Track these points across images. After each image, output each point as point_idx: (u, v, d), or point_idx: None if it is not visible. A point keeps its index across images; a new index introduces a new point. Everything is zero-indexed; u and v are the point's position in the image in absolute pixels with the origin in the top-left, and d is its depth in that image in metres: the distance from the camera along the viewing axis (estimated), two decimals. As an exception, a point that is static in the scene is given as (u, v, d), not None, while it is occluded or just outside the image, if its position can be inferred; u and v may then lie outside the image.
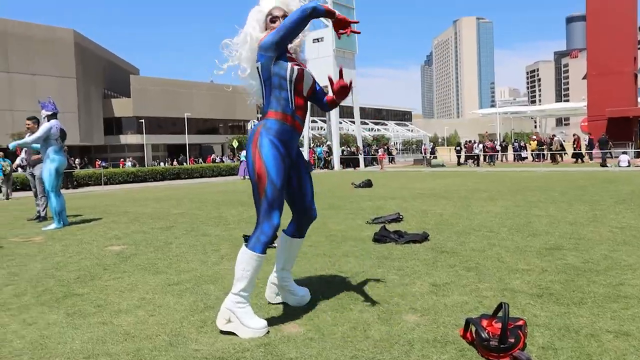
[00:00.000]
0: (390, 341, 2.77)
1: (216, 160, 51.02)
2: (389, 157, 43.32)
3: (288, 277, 3.46)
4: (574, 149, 30.39)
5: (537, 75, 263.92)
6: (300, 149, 3.24)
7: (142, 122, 59.45)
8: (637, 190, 11.04)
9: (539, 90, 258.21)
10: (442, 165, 32.15)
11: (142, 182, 26.35)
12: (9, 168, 17.52)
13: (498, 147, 35.60)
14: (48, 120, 8.45)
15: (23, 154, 10.38)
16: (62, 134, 8.55)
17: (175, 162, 51.69)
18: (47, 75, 51.74)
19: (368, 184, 14.80)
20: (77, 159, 48.66)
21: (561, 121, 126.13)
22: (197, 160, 58.11)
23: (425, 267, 4.44)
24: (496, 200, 9.76)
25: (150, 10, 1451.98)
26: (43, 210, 9.28)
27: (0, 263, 5.32)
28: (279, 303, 3.50)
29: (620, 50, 34.19)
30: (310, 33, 35.09)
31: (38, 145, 8.56)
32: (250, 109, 71.54)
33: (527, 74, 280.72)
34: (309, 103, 3.25)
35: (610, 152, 28.30)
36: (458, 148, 36.25)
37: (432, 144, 53.37)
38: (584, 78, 39.43)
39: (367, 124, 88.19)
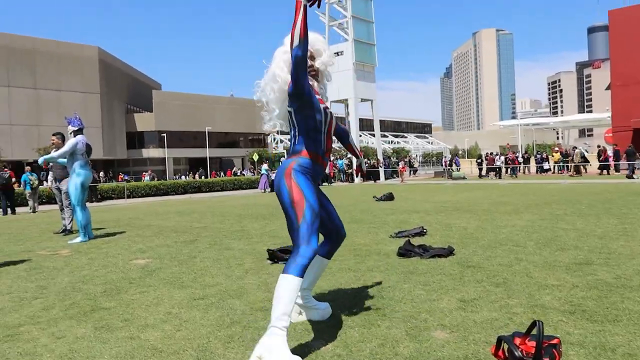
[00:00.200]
0: (420, 359, 2.72)
1: (237, 174, 51.42)
2: (411, 170, 43.13)
3: (309, 295, 3.46)
4: (600, 160, 29.84)
5: (559, 86, 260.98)
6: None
7: (163, 136, 60.29)
8: (666, 203, 10.76)
9: (561, 102, 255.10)
10: (464, 178, 31.86)
11: (164, 195, 26.64)
12: (36, 182, 17.89)
13: (520, 159, 35.16)
14: (74, 136, 8.62)
15: (51, 174, 10.59)
16: (88, 149, 8.71)
17: (196, 176, 52.20)
18: (72, 91, 52.93)
19: (389, 197, 14.71)
20: (101, 173, 49.55)
21: (584, 132, 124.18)
22: (218, 173, 58.60)
23: (452, 282, 4.37)
24: (521, 213, 9.60)
25: (173, 26, 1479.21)
26: (69, 224, 9.42)
27: (29, 276, 5.40)
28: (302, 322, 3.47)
29: (645, 60, 33.63)
30: (330, 47, 35.44)
31: (64, 160, 8.73)
32: (270, 123, 71.95)
33: (549, 85, 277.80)
34: None
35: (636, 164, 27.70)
36: (479, 160, 35.90)
37: (456, 156, 52.72)
38: (607, 88, 38.88)
39: (387, 136, 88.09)
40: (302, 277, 2.72)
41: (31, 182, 17.71)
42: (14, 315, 3.89)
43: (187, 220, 10.94)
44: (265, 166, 29.24)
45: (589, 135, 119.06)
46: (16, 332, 3.46)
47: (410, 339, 3.02)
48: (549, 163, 34.04)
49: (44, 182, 17.95)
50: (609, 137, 39.64)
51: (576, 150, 31.13)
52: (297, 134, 3.06)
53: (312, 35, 3.10)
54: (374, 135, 40.31)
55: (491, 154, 35.91)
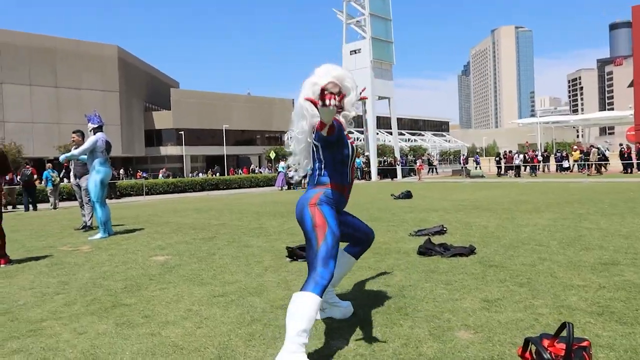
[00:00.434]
0: (445, 359, 2.67)
1: (255, 171, 51.63)
2: (430, 168, 42.83)
3: (332, 291, 3.46)
4: (624, 158, 29.27)
5: (580, 84, 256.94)
6: None
7: (181, 133, 60.73)
8: (693, 202, 10.50)
9: (582, 99, 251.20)
10: (482, 176, 31.55)
11: (181, 192, 26.83)
12: (57, 179, 18.15)
13: (539, 158, 34.68)
14: (94, 133, 8.69)
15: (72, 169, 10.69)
16: (108, 146, 8.77)
17: (218, 173, 52.41)
18: (92, 89, 53.60)
19: (408, 195, 14.60)
20: (121, 170, 50.13)
21: (605, 130, 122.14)
22: (236, 171, 58.88)
23: (474, 281, 4.30)
24: (542, 212, 9.45)
25: (191, 25, 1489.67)
26: (89, 220, 9.52)
27: (51, 272, 5.45)
28: (324, 318, 3.44)
29: (669, 56, 32.91)
30: (348, 45, 35.31)
31: (85, 157, 8.81)
32: (287, 121, 72.14)
33: (569, 83, 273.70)
34: None
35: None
36: (498, 158, 35.49)
37: (476, 154, 51.95)
38: (629, 86, 38.15)
39: (404, 134, 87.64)
40: (321, 297, 2.64)
41: (52, 179, 17.97)
42: (37, 310, 3.92)
43: (205, 218, 10.98)
44: (282, 164, 29.27)
45: (610, 134, 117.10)
46: (39, 327, 3.48)
47: (434, 339, 2.96)
48: (568, 161, 33.51)
49: (65, 179, 18.20)
50: (631, 135, 38.89)
51: (593, 149, 30.58)
52: (322, 166, 3.04)
53: (341, 71, 3.12)
54: (391, 134, 40.10)
55: (510, 152, 35.48)
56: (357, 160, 36.26)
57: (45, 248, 7.30)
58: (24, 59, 49.55)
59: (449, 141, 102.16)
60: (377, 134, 48.63)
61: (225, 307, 3.79)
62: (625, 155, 29.30)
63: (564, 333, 2.54)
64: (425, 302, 3.72)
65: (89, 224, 9.49)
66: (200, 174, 55.80)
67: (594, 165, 29.16)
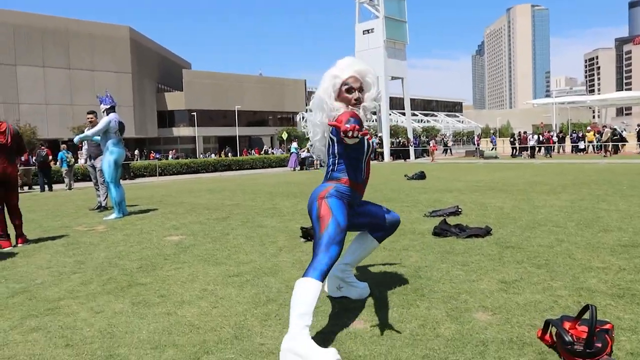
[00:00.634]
0: (463, 341, 2.64)
1: (268, 152, 51.64)
2: (445, 149, 42.51)
3: (350, 271, 3.44)
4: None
5: (597, 63, 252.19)
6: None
7: (193, 114, 60.76)
8: None
9: (598, 79, 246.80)
10: (496, 157, 31.25)
11: (194, 173, 26.96)
12: (72, 160, 18.28)
13: (555, 138, 34.25)
14: (107, 114, 8.68)
15: (85, 147, 10.74)
16: (121, 127, 8.77)
17: (230, 154, 52.42)
18: (105, 70, 53.64)
19: (421, 175, 14.51)
20: (136, 151, 50.39)
21: (622, 111, 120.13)
22: (249, 152, 58.93)
23: (491, 262, 4.25)
24: (559, 193, 9.32)
25: (202, 5, 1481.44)
26: (104, 201, 9.58)
27: (67, 251, 5.50)
28: (339, 297, 3.42)
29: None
30: (360, 24, 34.86)
31: (98, 138, 8.82)
32: (299, 102, 71.87)
33: (586, 62, 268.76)
34: None
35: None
36: (512, 139, 35.10)
37: (493, 135, 51.17)
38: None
39: (417, 115, 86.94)
40: (322, 282, 2.60)
41: (67, 160, 18.10)
42: (54, 289, 3.95)
43: (219, 198, 11.01)
44: (294, 144, 29.23)
45: (627, 114, 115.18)
46: (56, 305, 3.51)
47: (452, 320, 2.93)
48: (584, 142, 33.07)
49: (79, 160, 18.35)
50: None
51: (605, 129, 30.09)
52: (336, 161, 3.01)
53: (364, 66, 3.08)
54: (404, 114, 39.79)
55: (525, 133, 35.06)
56: (371, 141, 36.12)
57: (61, 228, 7.36)
58: (37, 41, 49.65)
59: (462, 122, 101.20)
60: (390, 114, 48.29)
61: (240, 287, 3.79)
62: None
63: (586, 316, 2.49)
64: (442, 283, 3.69)
65: (103, 204, 9.56)
66: (213, 155, 55.94)
67: (606, 147, 28.72)
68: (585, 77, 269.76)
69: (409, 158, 34.86)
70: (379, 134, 34.93)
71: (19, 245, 6.02)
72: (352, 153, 2.97)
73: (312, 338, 2.47)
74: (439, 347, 2.57)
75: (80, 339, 2.85)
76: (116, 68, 54.66)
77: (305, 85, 75.50)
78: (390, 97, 38.83)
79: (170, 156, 44.88)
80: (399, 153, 35.39)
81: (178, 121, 65.22)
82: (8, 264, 5.00)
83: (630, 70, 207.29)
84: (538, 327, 2.73)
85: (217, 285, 3.88)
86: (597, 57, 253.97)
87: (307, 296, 2.53)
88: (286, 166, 29.15)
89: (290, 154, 28.14)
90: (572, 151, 33.85)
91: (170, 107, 64.66)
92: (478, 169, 19.26)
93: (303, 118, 72.84)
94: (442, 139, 45.44)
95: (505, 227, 5.93)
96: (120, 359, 2.57)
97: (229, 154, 50.16)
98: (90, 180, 10.57)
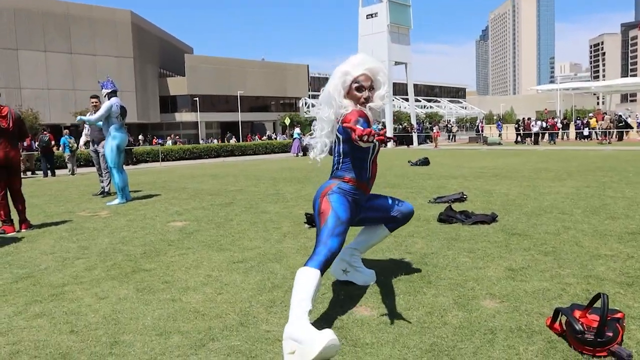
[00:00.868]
0: (471, 329, 2.61)
1: (271, 138, 51.48)
2: (450, 135, 42.30)
3: (358, 256, 3.43)
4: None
5: (602, 49, 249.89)
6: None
7: (196, 100, 60.53)
8: None
9: (603, 65, 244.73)
10: (499, 144, 31.12)
11: (197, 158, 26.92)
12: (75, 145, 18.25)
13: (559, 125, 34.04)
14: (108, 99, 8.61)
15: (86, 130, 10.67)
16: (123, 112, 8.69)
17: (233, 140, 52.17)
18: (106, 55, 53.33)
19: (425, 162, 14.45)
20: (140, 136, 50.27)
21: (627, 98, 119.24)
22: (253, 137, 58.73)
23: (497, 249, 4.21)
24: (564, 180, 9.26)
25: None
26: (107, 186, 9.55)
27: (71, 236, 5.48)
28: (345, 282, 3.39)
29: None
30: (364, 8, 34.49)
31: (101, 123, 8.76)
32: (301, 87, 71.52)
33: (591, 48, 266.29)
34: None
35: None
36: (517, 125, 34.86)
37: (499, 121, 50.60)
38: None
39: (420, 101, 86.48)
40: (321, 271, 2.56)
41: (70, 145, 18.07)
42: (58, 275, 3.93)
43: (222, 184, 10.98)
44: (297, 130, 29.13)
45: (631, 101, 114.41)
46: (61, 291, 3.49)
47: (459, 308, 2.90)
48: (589, 129, 32.86)
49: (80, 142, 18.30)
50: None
51: (606, 117, 29.89)
52: (340, 160, 2.99)
53: (376, 64, 3.03)
54: (406, 100, 39.54)
55: (529, 119, 34.85)
56: (374, 126, 35.94)
57: (65, 213, 7.35)
58: (38, 25, 49.31)
59: (466, 108, 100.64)
60: (393, 100, 48.04)
61: (245, 273, 3.76)
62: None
63: (597, 304, 2.46)
64: (448, 270, 3.66)
65: (107, 189, 9.54)
66: (215, 141, 55.82)
67: (605, 134, 28.54)
68: (590, 63, 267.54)
69: (412, 144, 34.72)
70: (382, 120, 34.74)
71: (23, 230, 6.01)
72: (357, 153, 2.95)
73: (318, 324, 2.45)
74: (446, 335, 2.54)
75: (85, 325, 2.84)
76: (118, 52, 54.34)
77: (308, 70, 75.06)
78: (393, 83, 38.58)
79: (169, 141, 44.64)
80: (402, 139, 35.24)
81: (180, 106, 65.01)
82: (12, 249, 4.99)
83: (635, 57, 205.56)
84: (547, 315, 2.70)
85: (221, 271, 3.85)
86: (602, 43, 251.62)
87: (305, 284, 2.50)
88: (289, 152, 29.07)
89: (293, 140, 28.04)
90: (576, 138, 33.66)
91: (173, 92, 64.42)
92: (482, 155, 19.17)
93: (305, 104, 72.57)
94: (446, 124, 45.10)
95: (511, 213, 5.89)
96: (125, 345, 2.55)
97: (231, 140, 49.83)
98: (93, 165, 10.53)
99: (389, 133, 34.09)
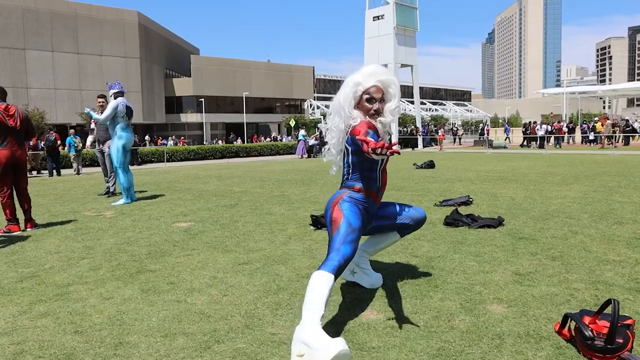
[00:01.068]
0: (478, 333, 2.58)
1: (277, 139, 51.52)
2: (455, 138, 42.21)
3: (366, 258, 3.41)
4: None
5: (609, 53, 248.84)
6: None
7: (201, 101, 60.68)
8: None
9: (610, 69, 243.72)
10: (505, 147, 30.99)
11: (202, 159, 26.95)
12: (80, 145, 18.30)
13: (565, 129, 33.89)
14: (115, 98, 8.63)
15: (93, 131, 10.68)
16: (129, 112, 8.70)
17: (238, 140, 52.17)
18: (113, 55, 53.55)
19: (430, 164, 14.40)
20: (146, 136, 50.39)
21: (633, 102, 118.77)
22: (258, 139, 58.77)
23: (504, 254, 4.18)
24: (571, 184, 9.21)
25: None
26: (112, 186, 9.56)
27: (76, 236, 5.48)
28: (351, 284, 3.37)
29: None
30: (371, 10, 34.49)
31: (107, 122, 8.77)
32: (307, 89, 71.56)
33: (597, 52, 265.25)
34: None
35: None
36: (524, 129, 34.73)
37: (507, 125, 50.22)
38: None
39: (425, 104, 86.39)
40: (335, 275, 2.54)
41: (75, 145, 18.12)
42: (63, 274, 3.92)
43: (227, 185, 10.97)
44: (302, 132, 29.12)
45: (638, 105, 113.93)
46: (65, 291, 3.48)
47: (466, 312, 2.88)
48: (594, 133, 32.68)
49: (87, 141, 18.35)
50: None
51: (607, 122, 29.74)
52: (351, 171, 2.99)
53: (388, 77, 3.01)
54: (412, 102, 39.47)
55: (535, 122, 34.72)
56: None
57: (70, 213, 7.36)
58: (46, 25, 49.56)
59: (471, 111, 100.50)
60: (399, 103, 47.82)
61: (250, 275, 3.74)
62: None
63: (607, 310, 2.43)
64: (455, 274, 3.63)
65: (112, 189, 9.55)
66: (220, 142, 55.88)
67: (606, 137, 28.36)
68: (597, 66, 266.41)
69: (417, 147, 34.66)
70: (391, 133, 34.69)
71: (28, 229, 6.02)
72: (366, 163, 2.94)
73: (325, 328, 2.42)
74: (454, 340, 2.51)
75: (90, 326, 2.82)
76: (124, 53, 54.54)
77: (314, 72, 75.08)
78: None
79: (170, 142, 44.66)
80: (407, 142, 35.17)
81: (186, 107, 65.16)
82: (17, 248, 4.99)
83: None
84: (555, 321, 2.67)
85: (226, 273, 3.84)
86: (609, 47, 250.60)
87: (319, 288, 2.47)
88: (294, 153, 29.07)
89: (298, 142, 28.04)
90: (582, 142, 33.51)
91: (178, 93, 64.58)
92: (487, 159, 19.10)
93: (311, 105, 72.62)
94: (452, 127, 44.99)
95: (518, 217, 5.85)
96: (130, 346, 2.54)
97: (235, 141, 49.73)
98: (99, 165, 10.55)
99: (395, 137, 34.08)
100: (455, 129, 44.79)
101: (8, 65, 47.10)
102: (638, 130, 31.52)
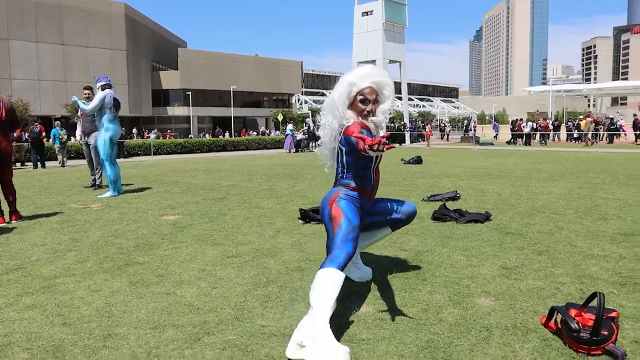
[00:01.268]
0: (466, 326, 2.61)
1: (265, 134, 51.32)
2: (442, 134, 42.41)
3: (357, 252, 3.42)
4: (636, 129, 28.80)
5: (594, 52, 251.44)
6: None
7: (188, 94, 60.25)
8: None
9: (595, 68, 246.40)
10: (491, 144, 31.23)
11: (189, 153, 26.80)
12: (65, 137, 18.09)
13: (550, 127, 34.23)
14: (102, 90, 8.54)
15: (79, 127, 10.54)
16: (116, 103, 8.62)
17: (226, 134, 51.84)
18: (99, 47, 52.90)
19: (418, 160, 14.47)
20: (134, 129, 49.87)
21: (617, 101, 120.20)
22: (248, 133, 58.48)
23: (491, 248, 4.23)
24: (557, 181, 9.31)
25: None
26: (98, 178, 9.47)
27: (62, 228, 5.43)
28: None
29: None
30: (360, 6, 34.44)
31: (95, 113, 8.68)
32: (295, 84, 71.38)
33: (583, 51, 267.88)
34: None
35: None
36: (512, 127, 34.99)
37: (495, 122, 50.39)
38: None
39: (413, 100, 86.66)
40: (342, 271, 2.57)
41: (60, 137, 17.91)
42: (50, 267, 3.89)
43: (215, 178, 10.93)
44: (290, 126, 29.07)
45: (622, 104, 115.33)
46: (52, 283, 3.45)
47: (454, 305, 2.91)
48: (578, 131, 33.05)
49: (72, 138, 18.14)
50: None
51: (587, 119, 30.19)
52: (345, 170, 3.00)
53: (383, 78, 3.01)
54: (400, 99, 39.53)
55: (521, 120, 35.02)
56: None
57: (55, 205, 7.28)
58: (30, 15, 48.78)
59: (458, 108, 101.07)
60: (387, 98, 47.85)
61: (239, 268, 3.74)
62: (639, 126, 28.80)
63: (592, 303, 2.47)
64: (443, 268, 3.66)
65: (98, 182, 9.46)
66: (207, 136, 55.55)
67: (587, 136, 28.74)
68: (582, 65, 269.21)
69: (405, 142, 34.78)
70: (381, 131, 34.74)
71: (13, 221, 5.95)
72: (361, 162, 2.97)
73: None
74: (442, 332, 2.54)
75: (78, 318, 2.80)
76: (111, 45, 53.90)
77: (302, 67, 74.89)
78: (387, 81, 38.52)
79: (152, 136, 44.12)
80: (395, 137, 35.25)
81: (173, 100, 64.66)
82: (2, 240, 4.93)
83: (627, 60, 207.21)
84: (541, 314, 2.71)
85: (215, 265, 3.83)
86: (594, 46, 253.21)
87: (331, 284, 2.51)
88: (281, 148, 29.03)
89: (286, 136, 27.99)
90: (567, 139, 33.87)
91: (165, 86, 64.06)
92: (474, 155, 19.25)
93: (299, 100, 72.47)
94: (439, 123, 45.23)
95: (505, 213, 5.91)
96: (119, 338, 2.53)
97: (222, 135, 49.36)
98: (84, 157, 10.43)
99: (382, 131, 34.15)
100: (443, 126, 45.01)
101: (-9, 55, 46.31)
102: (622, 129, 31.93)
